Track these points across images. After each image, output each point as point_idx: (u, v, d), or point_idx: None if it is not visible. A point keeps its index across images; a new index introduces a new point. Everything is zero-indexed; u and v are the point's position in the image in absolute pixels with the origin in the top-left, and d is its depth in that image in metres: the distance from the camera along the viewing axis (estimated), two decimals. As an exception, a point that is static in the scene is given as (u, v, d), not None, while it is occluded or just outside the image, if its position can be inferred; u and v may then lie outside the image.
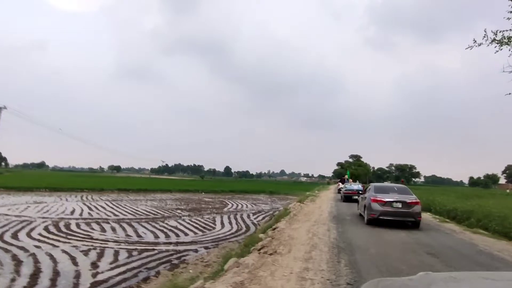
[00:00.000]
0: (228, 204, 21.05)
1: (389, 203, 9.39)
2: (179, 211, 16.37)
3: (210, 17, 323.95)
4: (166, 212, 15.54)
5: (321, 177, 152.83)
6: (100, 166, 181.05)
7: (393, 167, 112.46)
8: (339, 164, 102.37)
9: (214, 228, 11.90)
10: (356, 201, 13.33)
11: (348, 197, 19.65)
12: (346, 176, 40.26)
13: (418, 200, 9.41)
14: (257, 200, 25.96)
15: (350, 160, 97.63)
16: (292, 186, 56.07)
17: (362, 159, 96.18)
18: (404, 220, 9.39)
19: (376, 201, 9.59)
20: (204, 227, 11.83)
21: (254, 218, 15.12)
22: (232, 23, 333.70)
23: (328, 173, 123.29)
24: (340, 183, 35.93)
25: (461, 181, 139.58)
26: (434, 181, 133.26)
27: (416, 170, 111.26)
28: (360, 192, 14.77)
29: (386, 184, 12.07)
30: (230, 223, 13.33)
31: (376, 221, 9.57)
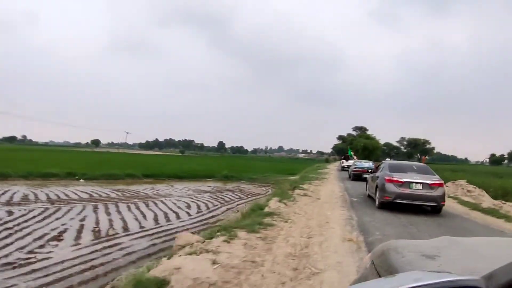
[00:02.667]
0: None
1: (407, 184, 8.41)
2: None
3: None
4: None
5: (320, 153, 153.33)
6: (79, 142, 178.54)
7: (405, 142, 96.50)
8: (340, 137, 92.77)
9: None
10: (366, 180, 12.38)
11: (357, 176, 18.87)
12: (349, 154, 39.52)
13: (442, 182, 8.45)
14: (179, 200, 12.81)
15: (354, 133, 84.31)
16: (283, 164, 47.02)
17: (368, 132, 79.36)
18: (424, 205, 8.47)
19: (392, 181, 8.59)
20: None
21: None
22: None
23: (328, 149, 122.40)
24: (344, 160, 35.24)
25: (466, 158, 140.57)
26: (440, 159, 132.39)
27: (431, 146, 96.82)
28: (370, 170, 13.77)
29: (403, 162, 11.01)
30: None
31: (390, 205, 8.65)
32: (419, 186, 8.32)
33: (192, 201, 12.65)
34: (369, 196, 11.20)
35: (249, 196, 15.11)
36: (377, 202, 9.21)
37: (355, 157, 35.39)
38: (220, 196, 14.70)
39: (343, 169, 30.37)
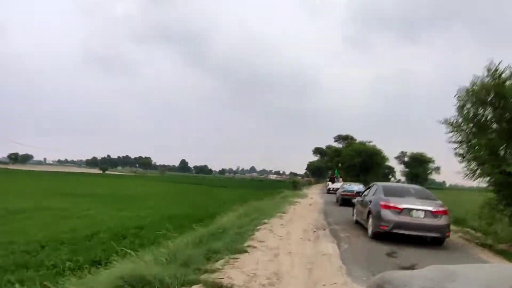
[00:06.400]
0: None
1: (407, 211, 7.77)
2: None
3: (185, 9, 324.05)
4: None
5: (293, 174, 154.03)
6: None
7: (405, 158, 73.71)
8: (317, 150, 78.13)
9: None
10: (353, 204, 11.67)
11: (346, 200, 17.64)
12: (336, 175, 39.27)
13: (446, 209, 7.89)
14: None
15: (336, 145, 67.09)
16: (222, 192, 31.51)
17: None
18: (426, 236, 7.81)
19: (389, 207, 7.92)
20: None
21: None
22: (208, 16, 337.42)
23: (302, 170, 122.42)
24: (329, 182, 34.70)
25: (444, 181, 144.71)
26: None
27: (435, 165, 73.03)
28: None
29: (398, 184, 10.45)
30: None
31: (385, 235, 7.91)
32: (421, 214, 7.70)
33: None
34: (357, 222, 10.49)
35: None
36: (370, 232, 8.49)
37: (341, 179, 35.07)
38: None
39: (329, 192, 29.82)
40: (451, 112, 9.18)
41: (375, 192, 9.15)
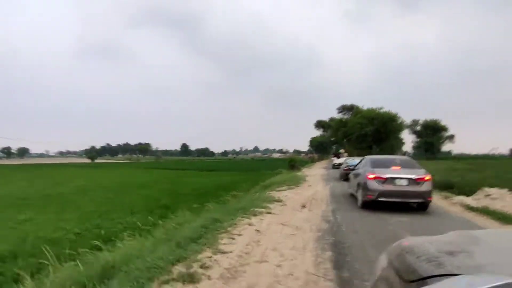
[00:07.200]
0: None
1: (391, 180, 8.41)
2: None
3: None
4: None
5: (297, 152, 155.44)
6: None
7: (418, 127, 68.69)
8: (319, 124, 72.55)
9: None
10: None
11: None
12: (342, 150, 39.59)
13: (428, 175, 8.48)
14: None
15: (340, 116, 58.36)
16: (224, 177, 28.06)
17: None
18: (409, 202, 8.47)
19: (374, 178, 8.54)
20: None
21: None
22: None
23: (305, 147, 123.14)
24: (334, 158, 34.96)
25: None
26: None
27: (449, 133, 70.50)
28: None
29: (386, 156, 11.05)
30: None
31: (373, 204, 8.59)
32: (404, 182, 8.33)
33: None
34: (351, 195, 11.15)
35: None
36: (359, 202, 9.14)
37: (345, 154, 35.11)
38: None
39: (334, 167, 29.59)
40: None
41: (364, 165, 9.79)
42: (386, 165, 9.16)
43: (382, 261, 1.39)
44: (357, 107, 50.95)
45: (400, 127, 39.56)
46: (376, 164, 9.24)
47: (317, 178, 21.14)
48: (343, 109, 58.52)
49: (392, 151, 36.64)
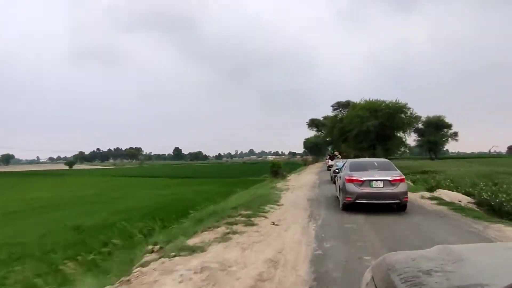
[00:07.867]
0: None
1: (368, 183, 8.90)
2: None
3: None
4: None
5: (292, 154, 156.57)
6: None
7: (420, 124, 57.42)
8: (313, 122, 67.74)
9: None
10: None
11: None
12: (337, 153, 39.97)
13: (402, 177, 9.01)
14: None
15: (335, 114, 53.99)
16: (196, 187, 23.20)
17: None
18: (387, 203, 8.94)
19: (352, 181, 9.06)
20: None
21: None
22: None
23: (300, 149, 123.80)
24: (329, 160, 35.14)
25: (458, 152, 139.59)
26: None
27: (453, 130, 66.67)
28: None
29: (365, 159, 11.57)
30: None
31: (353, 206, 9.05)
32: (380, 184, 8.81)
33: None
34: (337, 198, 11.59)
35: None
36: (340, 204, 9.59)
37: (339, 156, 35.27)
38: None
39: (329, 169, 29.31)
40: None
41: (344, 168, 10.28)
42: (364, 167, 9.65)
43: (366, 276, 1.41)
44: (353, 103, 43.72)
45: (410, 120, 32.86)
46: (354, 167, 9.72)
47: (302, 194, 14.00)
48: (338, 106, 53.75)
49: (396, 151, 34.51)
